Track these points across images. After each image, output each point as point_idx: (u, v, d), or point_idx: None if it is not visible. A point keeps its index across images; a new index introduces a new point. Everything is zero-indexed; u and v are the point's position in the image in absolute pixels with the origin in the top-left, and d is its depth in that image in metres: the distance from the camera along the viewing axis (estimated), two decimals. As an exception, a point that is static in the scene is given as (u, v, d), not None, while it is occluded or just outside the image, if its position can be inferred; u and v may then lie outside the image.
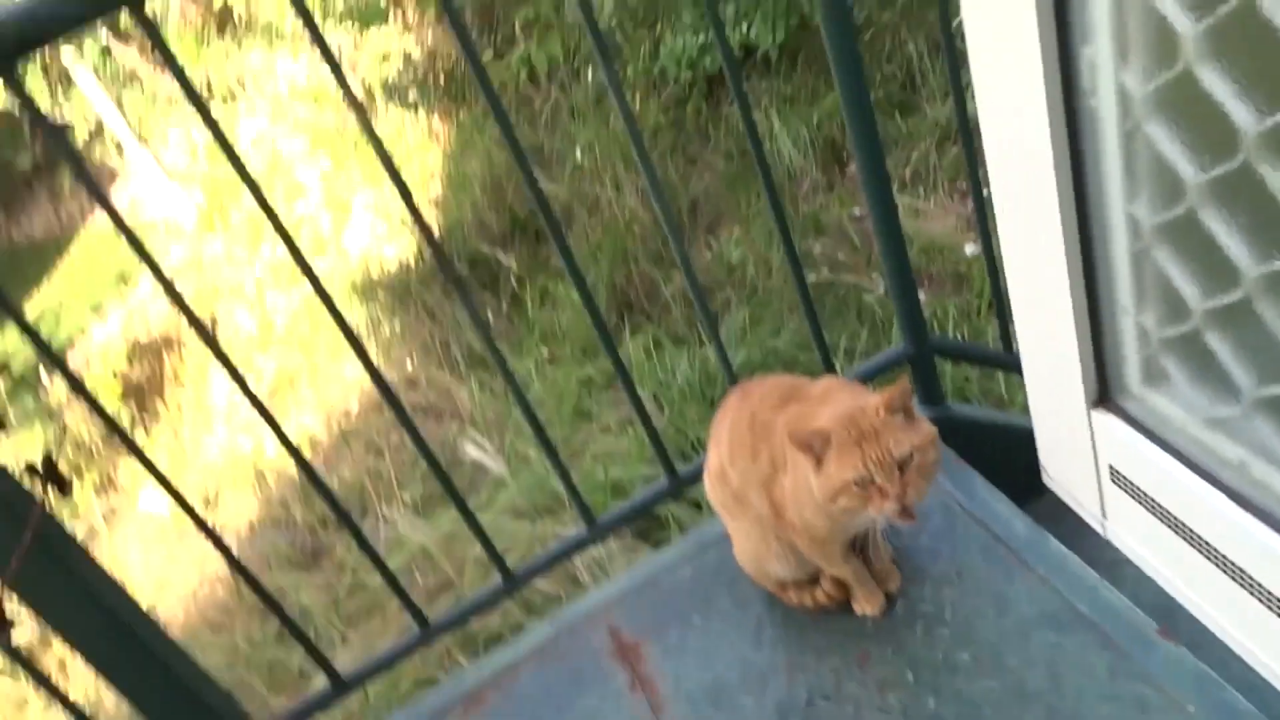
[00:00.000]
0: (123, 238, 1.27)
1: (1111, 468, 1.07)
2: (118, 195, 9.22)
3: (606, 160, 4.64)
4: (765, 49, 4.05)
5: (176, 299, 1.23)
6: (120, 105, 7.11)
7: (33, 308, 8.61)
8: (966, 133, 1.47)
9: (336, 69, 1.17)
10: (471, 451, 3.15)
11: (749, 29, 4.00)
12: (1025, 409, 1.27)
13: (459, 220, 5.12)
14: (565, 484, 1.57)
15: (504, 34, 5.11)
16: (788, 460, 1.25)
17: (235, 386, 1.35)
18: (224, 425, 6.03)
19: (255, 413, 1.36)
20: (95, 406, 1.26)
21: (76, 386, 1.22)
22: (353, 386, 5.48)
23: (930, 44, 4.07)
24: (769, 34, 3.97)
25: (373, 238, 5.79)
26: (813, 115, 4.17)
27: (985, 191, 1.16)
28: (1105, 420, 1.02)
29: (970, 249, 3.66)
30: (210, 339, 1.29)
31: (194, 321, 1.25)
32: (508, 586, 1.57)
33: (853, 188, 4.12)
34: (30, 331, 1.16)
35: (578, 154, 4.75)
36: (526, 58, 4.97)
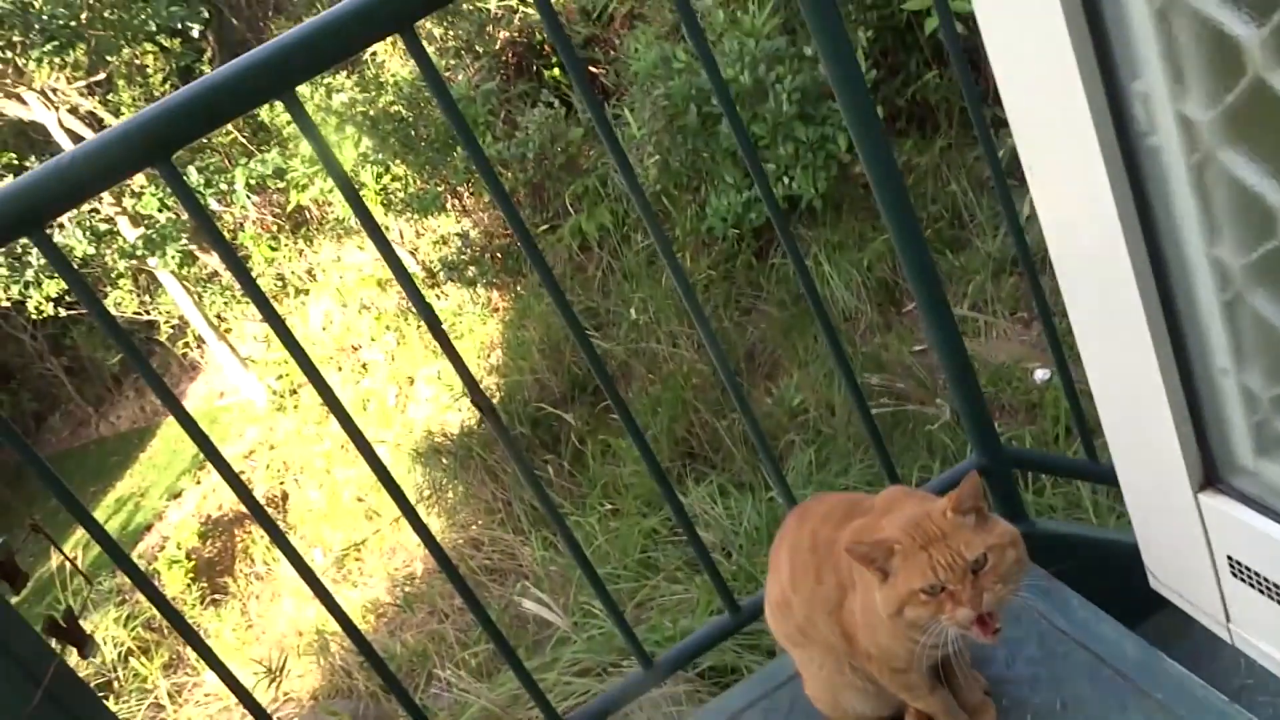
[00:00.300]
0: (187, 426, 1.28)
1: (1230, 558, 0.95)
2: (199, 384, 9.68)
3: (661, 317, 4.72)
4: (809, 199, 4.15)
5: (233, 483, 1.23)
6: (200, 303, 7.55)
7: (117, 494, 8.93)
8: (1027, 257, 1.44)
9: (385, 245, 1.20)
10: (531, 607, 3.04)
11: (790, 182, 4.12)
12: (1120, 523, 1.16)
13: (519, 384, 5.20)
14: (620, 626, 1.48)
15: (555, 208, 5.35)
16: (855, 580, 1.15)
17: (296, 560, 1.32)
18: (291, 597, 6.04)
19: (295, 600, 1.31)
20: (153, 598, 1.25)
21: (138, 580, 1.21)
22: (416, 551, 5.47)
23: (973, 182, 4.14)
24: (810, 185, 4.08)
25: (436, 407, 5.91)
26: (863, 259, 4.21)
27: (1055, 316, 1.10)
28: (1216, 504, 0.92)
29: (1040, 374, 3.56)
30: (265, 519, 1.28)
31: (250, 504, 1.25)
32: (568, 740, 1.45)
33: (910, 324, 4.10)
34: (95, 530, 1.17)
35: (632, 313, 4.85)
36: (578, 228, 5.17)
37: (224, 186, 6.42)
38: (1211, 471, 0.92)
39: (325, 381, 1.27)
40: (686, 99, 4.37)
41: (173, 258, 6.24)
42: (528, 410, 4.99)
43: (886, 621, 1.09)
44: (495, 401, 5.33)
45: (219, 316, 8.20)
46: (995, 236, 3.94)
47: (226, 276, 7.96)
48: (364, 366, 6.94)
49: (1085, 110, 0.80)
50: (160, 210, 6.34)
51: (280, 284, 7.78)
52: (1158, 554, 1.14)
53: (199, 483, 7.98)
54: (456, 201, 6.07)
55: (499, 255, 5.86)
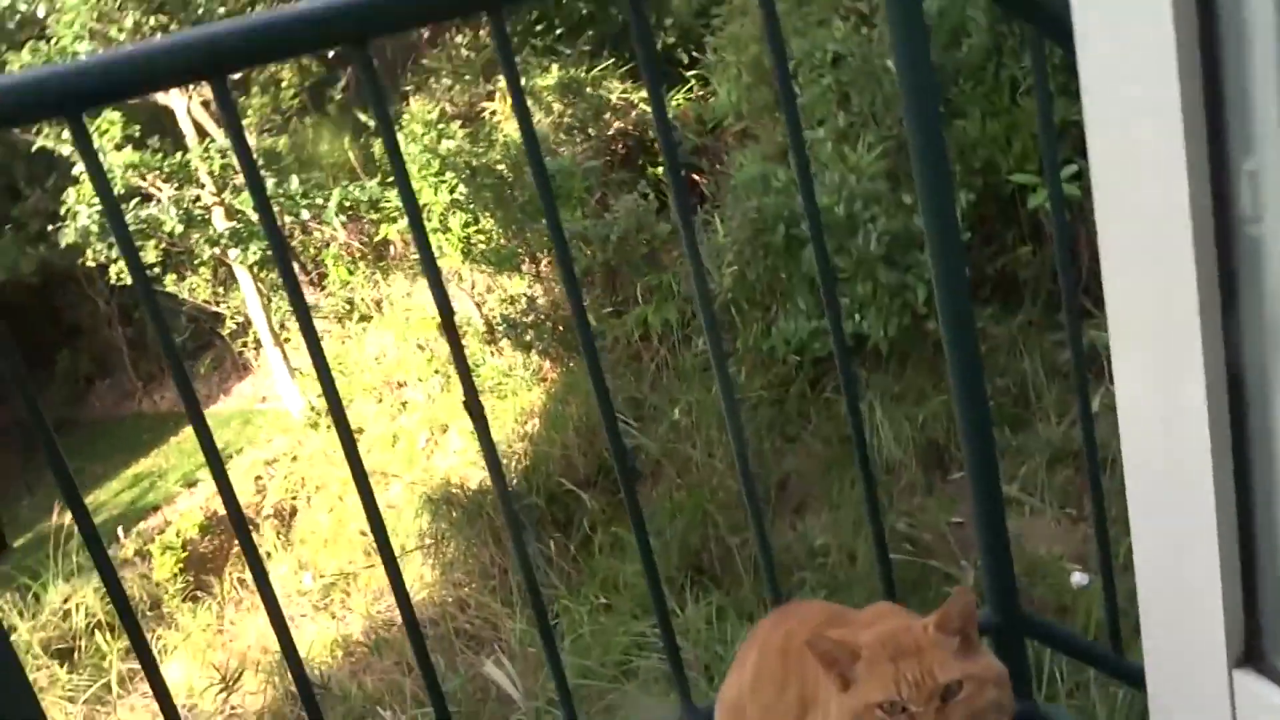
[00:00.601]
0: (211, 420, 1.26)
1: None
2: (245, 384, 9.83)
3: (702, 424, 4.65)
4: (876, 342, 4.09)
5: (221, 483, 1.19)
6: (267, 306, 7.72)
7: (137, 470, 9.02)
8: (1093, 450, 1.37)
9: (441, 292, 1.20)
10: (494, 675, 2.91)
11: (861, 321, 4.08)
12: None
13: (547, 456, 5.14)
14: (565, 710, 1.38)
15: (626, 295, 5.38)
16: (819, 696, 1.05)
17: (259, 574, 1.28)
18: (256, 613, 5.94)
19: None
20: (112, 590, 1.21)
21: (99, 559, 1.17)
22: (402, 603, 5.34)
23: (1047, 365, 4.05)
24: (881, 327, 4.03)
25: (462, 460, 5.86)
26: (918, 415, 4.12)
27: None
28: (1252, 684, 0.79)
29: (1078, 578, 3.38)
30: (243, 527, 1.24)
31: (231, 509, 1.21)
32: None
33: (953, 493, 3.95)
34: (75, 506, 1.14)
35: (675, 413, 4.79)
36: (643, 318, 5.18)
37: (320, 202, 6.62)
38: (1254, 644, 0.80)
39: (338, 396, 1.24)
40: (777, 218, 4.39)
41: (253, 253, 6.41)
42: (549, 484, 4.91)
43: None
44: (519, 468, 5.27)
45: (282, 325, 8.37)
46: (1059, 423, 3.82)
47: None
48: (404, 404, 6.96)
49: (1184, 175, 0.73)
50: (255, 209, 6.56)
51: (348, 307, 7.92)
52: None
53: (217, 478, 8.00)
54: (534, 266, 6.16)
55: (560, 326, 5.89)
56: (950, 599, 0.98)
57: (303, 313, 1.20)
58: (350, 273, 7.77)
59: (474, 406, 1.38)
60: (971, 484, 1.50)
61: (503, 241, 5.72)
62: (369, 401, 7.22)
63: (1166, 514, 0.86)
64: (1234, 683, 0.80)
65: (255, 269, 7.54)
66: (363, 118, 7.07)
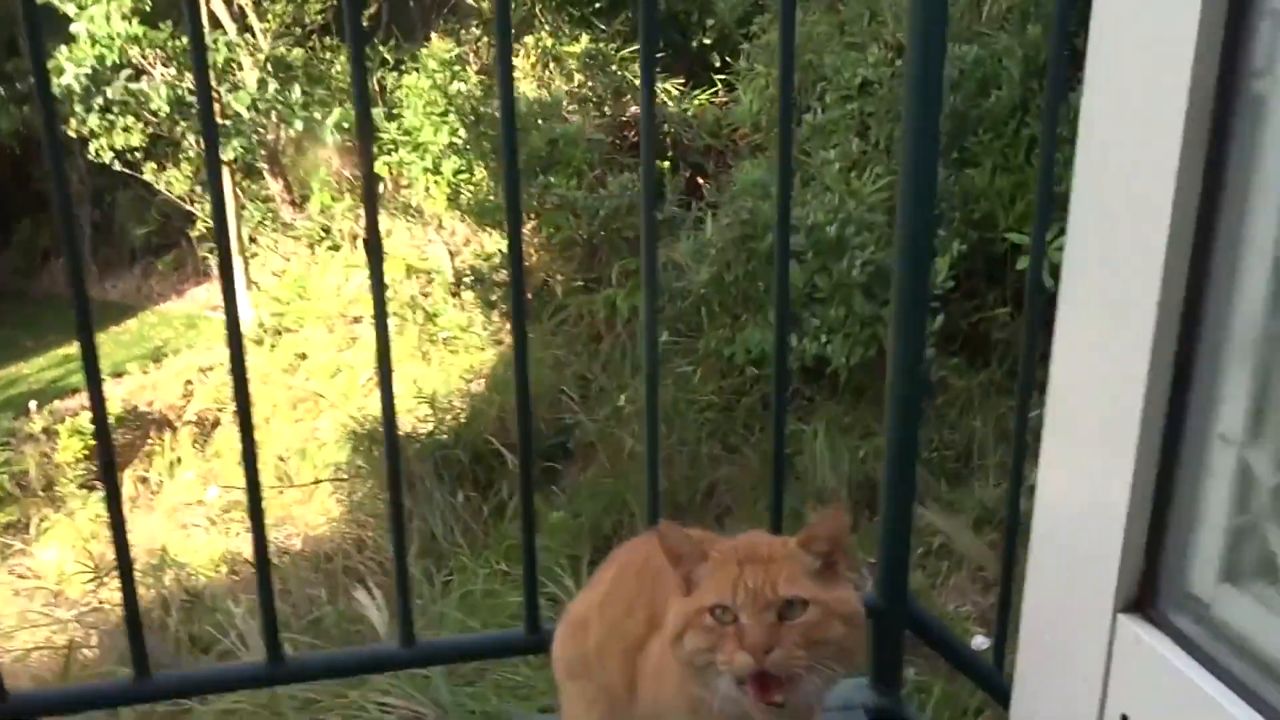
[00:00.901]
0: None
1: (1125, 718, 0.71)
2: (201, 290, 9.58)
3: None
4: (837, 368, 4.00)
5: (90, 375, 1.09)
6: (239, 214, 7.52)
7: (66, 352, 8.70)
8: (1015, 518, 1.32)
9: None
10: (363, 601, 2.74)
11: (827, 343, 3.98)
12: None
13: (483, 416, 4.99)
14: (401, 595, 1.25)
15: (601, 274, 5.25)
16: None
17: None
18: (163, 517, 5.73)
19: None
20: None
21: None
22: (304, 529, 5.15)
23: (997, 429, 3.97)
24: (845, 354, 3.94)
25: (398, 404, 5.68)
26: (860, 450, 4.01)
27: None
28: (1137, 630, 0.69)
29: (979, 641, 3.27)
30: (103, 426, 1.18)
31: (96, 404, 1.15)
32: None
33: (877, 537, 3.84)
34: None
35: (621, 399, 4.66)
36: (612, 300, 5.06)
37: (318, 117, 6.46)
38: (1147, 591, 0.70)
39: (238, 321, 1.20)
40: (767, 226, 4.30)
41: (234, 149, 6.22)
42: (477, 442, 4.76)
43: (674, 666, 0.85)
44: (453, 422, 5.11)
45: (251, 239, 8.16)
46: (996, 486, 3.73)
47: (276, 201, 7.97)
48: (354, 340, 6.78)
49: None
50: (249, 108, 6.37)
51: (324, 234, 7.74)
52: (1026, 708, 0.88)
53: (146, 373, 7.75)
54: (517, 230, 6.03)
55: (529, 294, 5.74)
56: (819, 516, 0.86)
57: (221, 229, 1.18)
58: (333, 199, 7.60)
59: (373, 242, 1.27)
60: (886, 463, 1.41)
61: (491, 196, 5.59)
62: (320, 329, 7.03)
63: (1081, 449, 0.77)
64: (1116, 628, 0.70)
65: (235, 174, 7.35)
66: (382, 50, 6.94)
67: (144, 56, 6.43)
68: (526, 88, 5.96)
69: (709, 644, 0.81)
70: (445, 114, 5.72)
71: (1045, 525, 0.80)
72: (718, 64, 6.54)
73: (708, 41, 6.57)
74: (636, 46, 6.41)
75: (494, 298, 5.56)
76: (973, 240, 4.04)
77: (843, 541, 0.85)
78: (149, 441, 6.76)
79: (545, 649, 1.17)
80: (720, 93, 6.35)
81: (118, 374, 7.80)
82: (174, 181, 8.12)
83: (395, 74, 6.50)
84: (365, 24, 7.38)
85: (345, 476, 5.04)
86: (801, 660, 0.79)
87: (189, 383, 7.41)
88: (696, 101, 6.22)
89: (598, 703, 0.98)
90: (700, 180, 6.00)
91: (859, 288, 4.00)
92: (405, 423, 5.25)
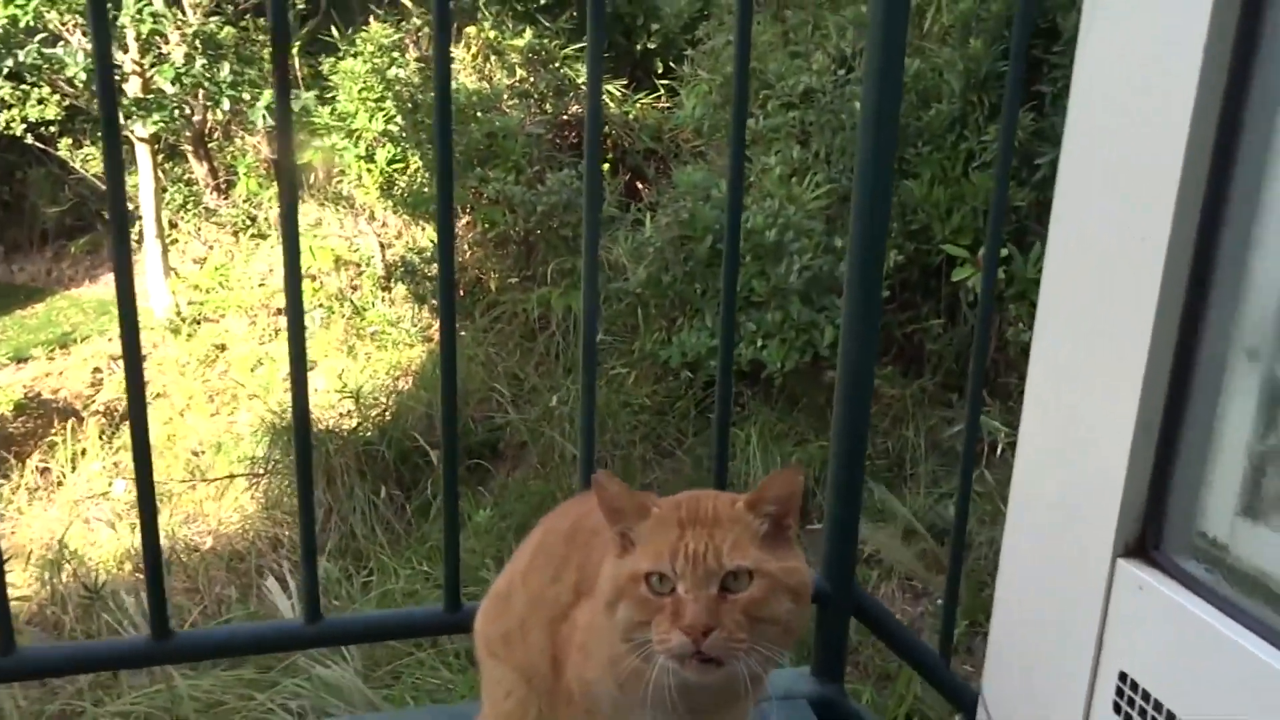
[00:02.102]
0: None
1: (1124, 678, 0.64)
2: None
3: (578, 415, 4.44)
4: (771, 373, 3.98)
5: None
6: (159, 197, 7.20)
7: (-36, 333, 8.23)
8: (961, 535, 1.26)
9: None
10: (273, 591, 2.60)
11: (763, 347, 3.96)
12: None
13: (410, 413, 4.84)
14: (307, 568, 1.16)
15: (536, 272, 5.16)
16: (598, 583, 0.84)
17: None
18: (60, 509, 5.42)
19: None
20: None
21: None
22: (216, 526, 4.92)
23: (928, 439, 4.00)
24: (780, 360, 3.92)
25: (320, 403, 5.49)
26: (793, 456, 4.00)
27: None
28: (1139, 576, 0.61)
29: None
30: None
31: None
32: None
33: (810, 544, 3.83)
34: None
35: (553, 400, 4.57)
36: (546, 299, 4.97)
37: (246, 98, 6.22)
38: (1153, 532, 0.63)
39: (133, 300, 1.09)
40: (707, 229, 4.27)
41: (153, 122, 5.94)
42: (404, 440, 4.61)
43: (603, 633, 0.77)
44: (378, 419, 4.95)
45: (172, 223, 7.82)
46: (927, 496, 3.75)
47: (200, 186, 7.68)
48: (277, 331, 6.54)
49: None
50: (174, 82, 6.10)
51: (249, 221, 7.47)
52: (1003, 680, 0.81)
53: (52, 360, 7.36)
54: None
55: (461, 292, 5.61)
56: (772, 475, 0.79)
57: (117, 199, 1.06)
58: (260, 186, 7.34)
59: (285, 162, 1.17)
60: (834, 442, 1.36)
61: (426, 187, 5.44)
62: (241, 319, 6.77)
63: (1075, 369, 0.70)
64: (1115, 575, 0.64)
65: (156, 154, 7.04)
66: (317, 31, 6.73)
67: (61, 22, 6.11)
68: (466, 79, 5.84)
69: (644, 616, 0.73)
70: (381, 100, 5.57)
71: (1029, 463, 0.73)
72: (660, 69, 6.52)
73: (652, 46, 6.54)
74: (581, 45, 6.35)
75: (425, 292, 5.41)
76: (909, 251, 4.07)
77: (795, 503, 0.78)
78: (52, 431, 6.41)
79: (467, 628, 1.08)
80: (663, 97, 6.32)
81: (21, 359, 7.40)
82: (91, 159, 7.75)
83: (332, 59, 6.31)
84: (302, 5, 7.19)
85: (261, 472, 4.83)
86: (743, 643, 0.72)
87: (98, 371, 7.06)
88: (639, 105, 6.18)
89: (516, 688, 0.90)
90: (640, 183, 5.96)
91: (796, 293, 3.99)
92: (328, 418, 5.06)
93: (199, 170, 7.77)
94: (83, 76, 5.87)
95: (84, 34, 5.96)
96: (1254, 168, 0.59)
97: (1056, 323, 0.71)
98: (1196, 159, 0.59)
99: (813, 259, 4.03)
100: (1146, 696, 0.62)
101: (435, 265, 5.36)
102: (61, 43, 6.05)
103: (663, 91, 6.34)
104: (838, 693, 1.30)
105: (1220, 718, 0.55)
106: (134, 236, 8.67)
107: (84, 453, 6.30)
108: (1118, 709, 0.64)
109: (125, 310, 1.09)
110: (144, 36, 6.05)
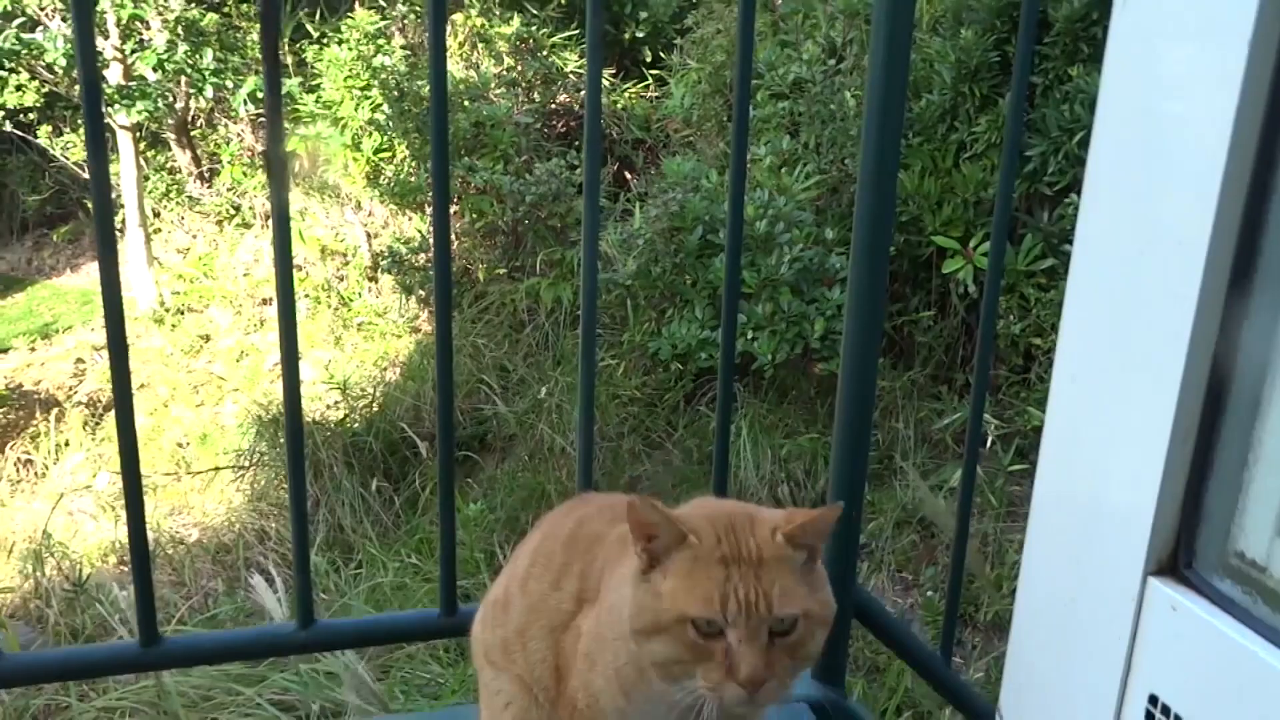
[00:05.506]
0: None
1: (1154, 700, 0.63)
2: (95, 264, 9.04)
3: (567, 409, 4.42)
4: (762, 365, 3.97)
5: None
6: (142, 186, 7.11)
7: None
8: (965, 523, 1.25)
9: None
10: (260, 590, 2.57)
11: (754, 339, 3.95)
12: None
13: (398, 404, 4.81)
14: (300, 575, 1.14)
15: (525, 262, 5.13)
16: (601, 593, 0.83)
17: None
18: (44, 501, 5.36)
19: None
20: None
21: None
22: (202, 518, 4.88)
23: (918, 431, 4.00)
24: (769, 351, 3.91)
25: (306, 391, 5.45)
26: (783, 448, 4.00)
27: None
28: (1173, 597, 0.59)
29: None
30: None
31: None
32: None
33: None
34: None
35: (542, 392, 4.54)
36: (535, 290, 4.94)
37: (229, 85, 6.14)
38: (1186, 549, 0.61)
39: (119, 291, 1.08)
40: (697, 219, 4.25)
41: (137, 111, 5.86)
42: (392, 432, 4.58)
43: (610, 644, 0.76)
44: (365, 410, 4.92)
45: (155, 212, 7.74)
46: (916, 490, 3.75)
47: (183, 174, 7.59)
48: (262, 322, 6.48)
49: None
50: (156, 69, 6.02)
51: (233, 211, 7.39)
52: (1023, 699, 0.80)
53: (34, 350, 7.28)
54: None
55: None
56: (816, 513, 0.78)
57: (101, 188, 1.05)
58: (245, 175, 7.26)
59: (275, 157, 1.15)
60: (836, 444, 1.34)
61: (413, 176, 5.40)
62: (226, 310, 6.70)
63: (1105, 375, 0.68)
64: (1146, 594, 0.62)
65: (138, 142, 6.95)
66: (301, 18, 6.65)
67: (40, 7, 6.01)
68: (454, 67, 5.78)
69: (688, 657, 0.72)
70: (367, 88, 5.51)
71: (1053, 474, 0.71)
72: (649, 59, 6.48)
73: (640, 35, 6.50)
74: (569, 32, 6.30)
75: (412, 283, 5.37)
76: (899, 243, 4.06)
77: (827, 535, 0.78)
78: (34, 422, 6.33)
79: (463, 632, 1.07)
80: (651, 86, 6.28)
81: (1, 349, 7.32)
82: (72, 147, 7.65)
83: (316, 46, 6.24)
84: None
85: (248, 464, 4.79)
86: (791, 681, 0.73)
87: (80, 361, 6.98)
88: (627, 95, 6.14)
89: (517, 698, 0.88)
90: (628, 174, 5.92)
91: (787, 285, 3.98)
92: (315, 409, 5.02)
93: (182, 158, 7.68)
94: (62, 62, 5.78)
95: (64, 19, 5.86)
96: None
97: (1084, 325, 0.70)
98: (1240, 155, 0.57)
99: (803, 250, 4.02)
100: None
101: (422, 255, 5.32)
102: (41, 28, 5.96)
103: (651, 81, 6.30)
104: (839, 695, 1.29)
105: (1251, 743, 0.54)
106: (116, 226, 8.58)
107: (66, 444, 6.23)
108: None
109: (110, 301, 1.07)
110: (124, 22, 5.96)
